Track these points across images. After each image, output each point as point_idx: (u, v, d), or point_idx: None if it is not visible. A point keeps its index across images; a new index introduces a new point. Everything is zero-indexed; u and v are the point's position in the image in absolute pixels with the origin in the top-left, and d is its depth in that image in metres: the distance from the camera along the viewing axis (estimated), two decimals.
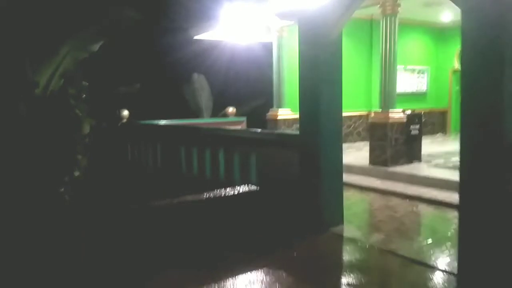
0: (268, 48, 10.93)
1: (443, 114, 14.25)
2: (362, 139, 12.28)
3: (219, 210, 5.57)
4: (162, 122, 11.14)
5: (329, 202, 5.40)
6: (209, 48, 11.42)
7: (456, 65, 14.03)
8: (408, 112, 8.64)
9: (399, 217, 5.93)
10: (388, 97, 8.29)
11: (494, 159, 3.65)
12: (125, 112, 11.15)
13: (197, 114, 14.32)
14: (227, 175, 7.20)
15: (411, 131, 8.50)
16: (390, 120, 8.18)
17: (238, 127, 12.68)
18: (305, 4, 5.20)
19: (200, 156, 7.86)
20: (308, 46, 5.29)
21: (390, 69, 8.26)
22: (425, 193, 6.88)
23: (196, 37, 11.16)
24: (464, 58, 3.80)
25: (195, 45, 11.24)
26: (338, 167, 5.49)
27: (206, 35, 11.14)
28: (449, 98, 14.24)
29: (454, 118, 14.34)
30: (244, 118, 12.89)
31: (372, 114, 8.51)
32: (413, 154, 8.60)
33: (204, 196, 5.53)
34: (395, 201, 6.77)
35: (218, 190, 5.74)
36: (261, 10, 9.67)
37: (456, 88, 14.37)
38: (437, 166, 8.30)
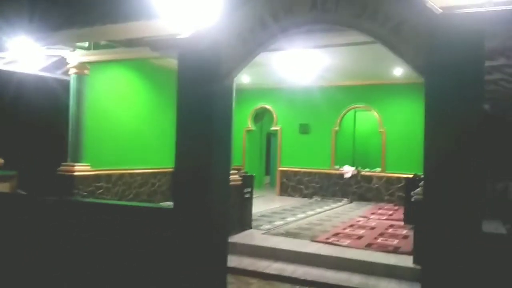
0: (65, 86, 8.65)
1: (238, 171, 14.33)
2: (167, 199, 10.98)
3: None
4: None
5: None
6: None
7: (250, 125, 14.55)
8: (242, 173, 7.94)
9: None
10: None
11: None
12: None
13: None
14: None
15: (244, 194, 7.79)
16: (231, 183, 7.25)
17: (5, 185, 9.53)
18: (194, 36, 3.89)
19: None
20: (194, 91, 3.93)
21: None
22: (283, 270, 6.11)
23: None
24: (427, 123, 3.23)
25: None
26: (225, 250, 4.15)
27: None
28: (243, 156, 14.50)
29: None
30: (14, 172, 9.76)
31: None
32: (245, 220, 7.85)
33: None
34: (255, 283, 5.73)
35: None
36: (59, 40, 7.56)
37: (248, 146, 14.82)
38: (270, 233, 7.76)
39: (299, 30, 3.60)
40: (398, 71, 11.12)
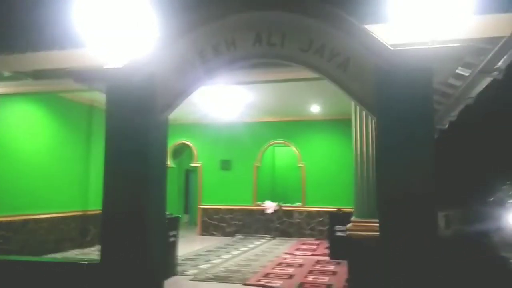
0: None
1: None
2: (77, 246, 9.93)
3: None
4: None
5: None
6: None
7: (168, 162, 13.96)
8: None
9: None
10: None
11: None
12: None
13: None
14: None
15: (169, 237, 7.24)
16: None
17: None
18: (126, 67, 3.51)
19: None
20: (126, 127, 3.52)
21: None
22: None
23: None
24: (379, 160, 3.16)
25: None
26: None
27: None
28: None
29: None
30: None
31: None
32: (170, 266, 7.27)
33: None
34: None
35: None
36: None
37: (177, 186, 14.18)
38: (198, 278, 7.24)
39: (244, 64, 3.42)
40: (317, 108, 11.47)
